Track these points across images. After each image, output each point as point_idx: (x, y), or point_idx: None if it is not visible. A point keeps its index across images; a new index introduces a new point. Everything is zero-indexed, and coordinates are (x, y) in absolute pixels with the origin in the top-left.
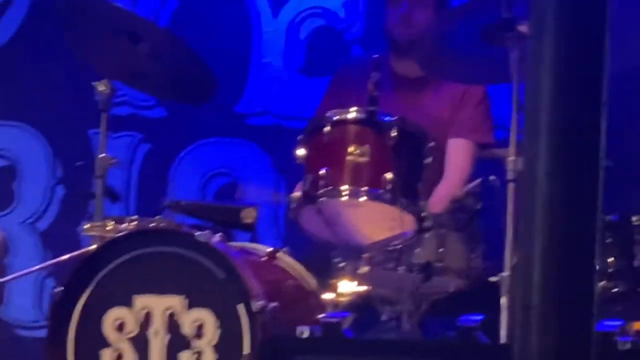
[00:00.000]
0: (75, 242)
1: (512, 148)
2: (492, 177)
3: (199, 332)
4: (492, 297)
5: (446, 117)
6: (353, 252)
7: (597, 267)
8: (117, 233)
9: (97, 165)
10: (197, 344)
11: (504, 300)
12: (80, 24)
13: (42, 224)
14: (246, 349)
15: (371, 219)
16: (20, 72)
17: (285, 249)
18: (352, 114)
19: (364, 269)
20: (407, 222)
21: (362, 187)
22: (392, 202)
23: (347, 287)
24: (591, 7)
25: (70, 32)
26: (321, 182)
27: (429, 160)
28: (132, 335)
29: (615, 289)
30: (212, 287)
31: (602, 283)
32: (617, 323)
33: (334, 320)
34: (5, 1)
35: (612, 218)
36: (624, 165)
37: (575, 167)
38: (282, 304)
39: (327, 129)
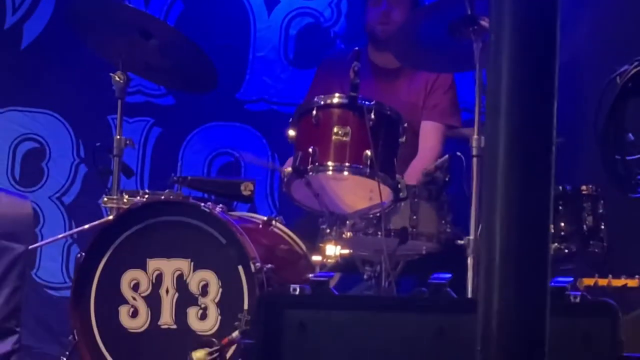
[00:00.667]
0: (96, 213)
1: (476, 128)
2: (458, 153)
3: (204, 291)
4: (459, 258)
5: (419, 102)
6: (337, 219)
7: (551, 231)
8: (132, 205)
9: (115, 146)
10: (203, 300)
11: (469, 261)
12: (98, 22)
13: (67, 198)
14: (245, 304)
15: (353, 191)
16: (46, 66)
17: (278, 217)
18: (336, 99)
19: (347, 234)
20: (384, 193)
21: (345, 162)
22: (371, 175)
23: (333, 250)
24: (543, 4)
25: (89, 30)
26: (309, 159)
27: (403, 139)
28: (146, 293)
29: (567, 250)
30: (215, 251)
31: (555, 245)
32: (568, 279)
33: (321, 279)
34: (34, 2)
35: (565, 187)
36: (574, 143)
37: (530, 143)
38: (277, 266)
39: (314, 112)
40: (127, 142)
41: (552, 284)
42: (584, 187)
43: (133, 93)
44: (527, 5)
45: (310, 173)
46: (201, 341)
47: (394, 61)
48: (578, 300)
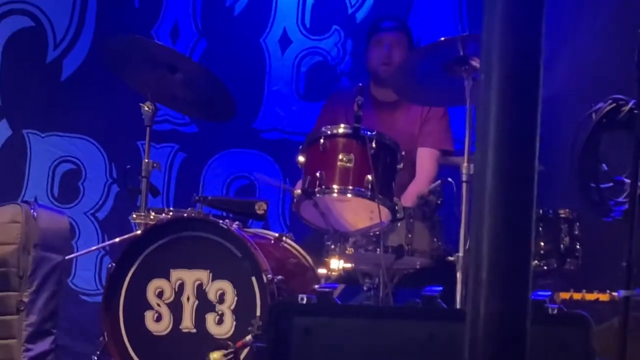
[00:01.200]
0: (126, 228)
1: (465, 156)
2: (449, 179)
3: (221, 299)
4: (450, 273)
5: (415, 130)
6: (341, 236)
7: (532, 250)
8: (158, 221)
9: (143, 169)
10: (220, 307)
11: (458, 275)
12: (130, 58)
13: (101, 214)
14: (258, 311)
15: (355, 211)
16: (83, 97)
17: (288, 234)
18: (341, 129)
19: (350, 250)
20: (383, 214)
21: (349, 186)
22: (372, 198)
23: (337, 264)
24: (528, 46)
25: (122, 64)
26: (317, 182)
27: (400, 165)
28: (169, 300)
29: (545, 267)
30: (232, 264)
31: (535, 262)
32: (547, 293)
33: (326, 289)
34: (73, 40)
35: (544, 211)
36: (554, 171)
37: (515, 172)
38: (286, 277)
39: (321, 141)
40: (155, 165)
41: (533, 297)
42: (561, 211)
43: (160, 122)
44: (514, 48)
45: (318, 195)
46: (218, 344)
47: (393, 95)
48: (555, 312)
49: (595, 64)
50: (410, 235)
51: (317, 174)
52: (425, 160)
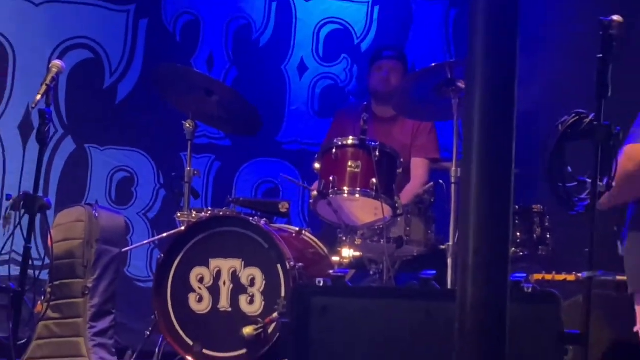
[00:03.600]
0: (172, 225)
1: (454, 162)
2: (440, 181)
3: (252, 283)
4: (442, 259)
5: (408, 142)
6: (351, 230)
7: (510, 239)
8: (198, 219)
9: (185, 175)
10: (251, 290)
11: (449, 261)
12: (174, 83)
13: (151, 214)
14: (282, 293)
15: (362, 209)
16: (135, 116)
17: (307, 228)
18: (350, 140)
19: (358, 241)
20: (386, 211)
21: (357, 188)
22: (376, 197)
23: (348, 253)
24: (504, 71)
25: (167, 89)
26: (330, 185)
27: (399, 170)
28: (208, 285)
29: (521, 253)
30: (260, 253)
31: (513, 249)
32: (523, 275)
33: (339, 274)
34: (125, 68)
35: (520, 206)
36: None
37: (495, 174)
38: (306, 264)
39: (333, 150)
40: (195, 172)
41: (511, 278)
42: (534, 206)
43: (199, 136)
44: (493, 72)
45: (331, 195)
46: (250, 320)
47: (390, 112)
48: (530, 290)
49: (562, 83)
50: (408, 228)
51: (331, 178)
52: (418, 168)
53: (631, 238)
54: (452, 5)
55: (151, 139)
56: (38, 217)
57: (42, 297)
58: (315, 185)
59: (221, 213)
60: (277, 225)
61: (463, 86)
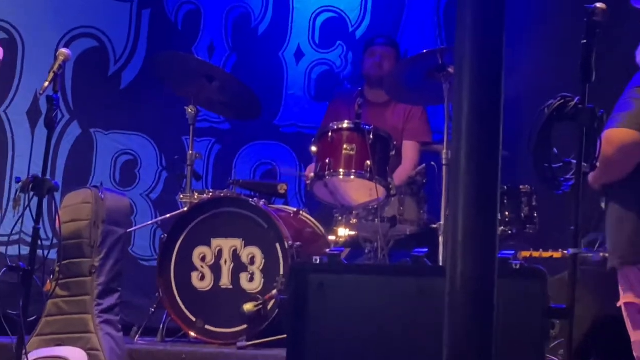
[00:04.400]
0: (174, 206)
1: (445, 144)
2: (432, 163)
3: (251, 261)
4: (433, 237)
5: (399, 126)
6: (346, 210)
7: (498, 218)
8: (200, 200)
9: (187, 158)
10: (251, 268)
11: (440, 239)
12: (176, 70)
13: (154, 195)
14: (281, 271)
15: (357, 190)
16: (138, 101)
17: (304, 209)
18: (345, 124)
19: (354, 220)
20: (380, 191)
21: (352, 170)
22: (371, 179)
23: (343, 232)
24: (492, 57)
25: (169, 75)
26: (326, 167)
27: (392, 152)
28: (210, 263)
29: (509, 232)
30: (260, 233)
31: (501, 228)
32: (511, 252)
33: (335, 252)
34: (129, 56)
35: (508, 186)
36: (515, 155)
37: (483, 155)
38: (303, 243)
39: (329, 134)
40: (196, 155)
41: (499, 255)
42: (522, 187)
43: (200, 120)
44: (481, 58)
45: (327, 177)
46: (250, 297)
47: (383, 96)
48: (518, 267)
49: (550, 68)
50: (401, 208)
51: (327, 161)
52: (409, 150)
53: (612, 217)
54: None
55: (154, 123)
56: (46, 199)
57: (51, 276)
58: (312, 167)
59: (222, 194)
60: (276, 206)
61: (453, 72)
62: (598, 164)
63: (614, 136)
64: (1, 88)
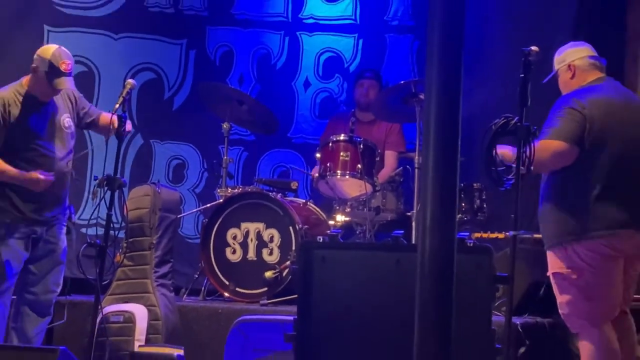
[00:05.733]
0: (213, 198)
1: (417, 152)
2: (407, 167)
3: (271, 240)
4: (408, 222)
5: (382, 138)
6: (342, 201)
7: (456, 207)
8: (232, 194)
9: (223, 162)
10: (271, 245)
11: (413, 224)
12: (215, 95)
13: (197, 190)
14: (293, 247)
15: (351, 186)
16: (186, 119)
17: (310, 200)
18: (342, 137)
19: (348, 209)
20: (368, 188)
21: (347, 171)
22: (361, 179)
23: (340, 218)
24: (452, 87)
25: (210, 99)
26: (327, 169)
27: (377, 158)
28: (240, 241)
29: (465, 218)
30: (277, 219)
31: (459, 215)
32: (466, 234)
33: (334, 233)
34: (179, 85)
35: (464, 184)
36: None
37: (446, 161)
38: (310, 226)
39: (330, 144)
40: (230, 160)
41: (458, 236)
42: (474, 184)
43: (232, 134)
44: (444, 88)
45: (328, 177)
46: (270, 267)
47: (370, 116)
48: (472, 245)
49: (495, 96)
50: (384, 200)
51: (328, 164)
52: (390, 157)
53: (542, 208)
54: (415, 38)
55: (198, 136)
56: (117, 192)
57: (120, 250)
58: (316, 169)
59: (249, 189)
60: (289, 198)
61: (423, 98)
62: (532, 167)
63: (548, 145)
64: None
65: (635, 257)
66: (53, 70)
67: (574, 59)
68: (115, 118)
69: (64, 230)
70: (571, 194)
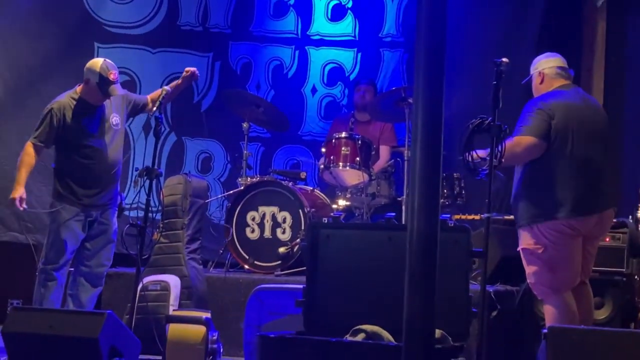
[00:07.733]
0: (235, 186)
1: (406, 147)
2: (398, 159)
3: (284, 221)
4: (399, 206)
5: (377, 135)
6: (344, 188)
7: (439, 193)
8: (251, 182)
9: (244, 155)
10: (283, 225)
11: (403, 208)
12: (236, 100)
13: (222, 179)
14: (302, 227)
15: (351, 176)
16: (212, 119)
17: (317, 187)
18: (343, 134)
19: (348, 195)
20: (365, 177)
21: (348, 163)
22: (359, 169)
23: (342, 202)
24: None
25: (233, 103)
26: (331, 162)
27: (373, 152)
28: (257, 222)
29: (446, 202)
30: (289, 203)
31: (442, 200)
32: (447, 215)
33: (337, 215)
34: (206, 90)
35: (446, 174)
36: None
37: (430, 154)
38: (316, 209)
39: (333, 140)
40: (249, 154)
41: (440, 217)
42: (454, 174)
43: (251, 132)
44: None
45: (332, 168)
46: (283, 243)
47: (367, 117)
48: (452, 225)
49: (472, 100)
50: (379, 187)
51: (331, 157)
52: (384, 151)
53: (515, 193)
54: (405, 52)
55: (222, 133)
56: (155, 181)
57: (157, 230)
58: (321, 162)
59: (265, 179)
60: (299, 186)
61: (412, 101)
62: (503, 160)
63: (522, 140)
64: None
65: (593, 236)
66: (103, 80)
67: (544, 68)
68: (164, 87)
69: (116, 213)
70: (539, 182)
